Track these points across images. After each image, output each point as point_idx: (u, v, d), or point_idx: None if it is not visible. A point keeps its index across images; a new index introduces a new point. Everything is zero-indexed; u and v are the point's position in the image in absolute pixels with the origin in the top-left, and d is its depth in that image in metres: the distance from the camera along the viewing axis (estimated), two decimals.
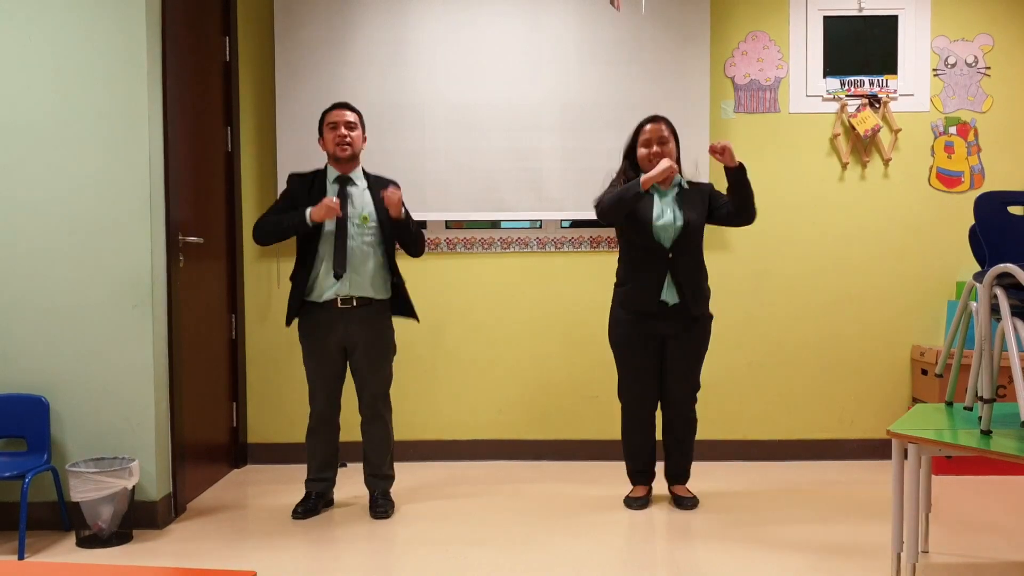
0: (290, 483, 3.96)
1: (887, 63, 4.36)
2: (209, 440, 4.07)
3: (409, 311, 3.63)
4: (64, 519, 3.35)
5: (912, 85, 4.36)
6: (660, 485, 3.75)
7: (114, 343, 3.38)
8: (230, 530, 3.42)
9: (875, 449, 4.35)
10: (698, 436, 3.69)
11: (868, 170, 4.39)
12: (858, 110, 4.34)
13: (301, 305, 3.51)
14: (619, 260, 3.64)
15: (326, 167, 3.57)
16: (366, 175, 3.59)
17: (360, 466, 3.69)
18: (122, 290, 3.38)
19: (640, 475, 3.68)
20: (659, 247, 3.46)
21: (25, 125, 3.36)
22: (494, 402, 4.45)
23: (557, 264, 4.44)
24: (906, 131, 4.36)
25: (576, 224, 4.45)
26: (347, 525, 3.46)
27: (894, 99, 4.35)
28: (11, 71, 3.35)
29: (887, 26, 4.35)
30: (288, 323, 3.55)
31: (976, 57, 4.35)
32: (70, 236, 3.37)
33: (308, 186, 3.52)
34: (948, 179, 4.39)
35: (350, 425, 3.73)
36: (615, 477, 3.88)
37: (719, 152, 3.36)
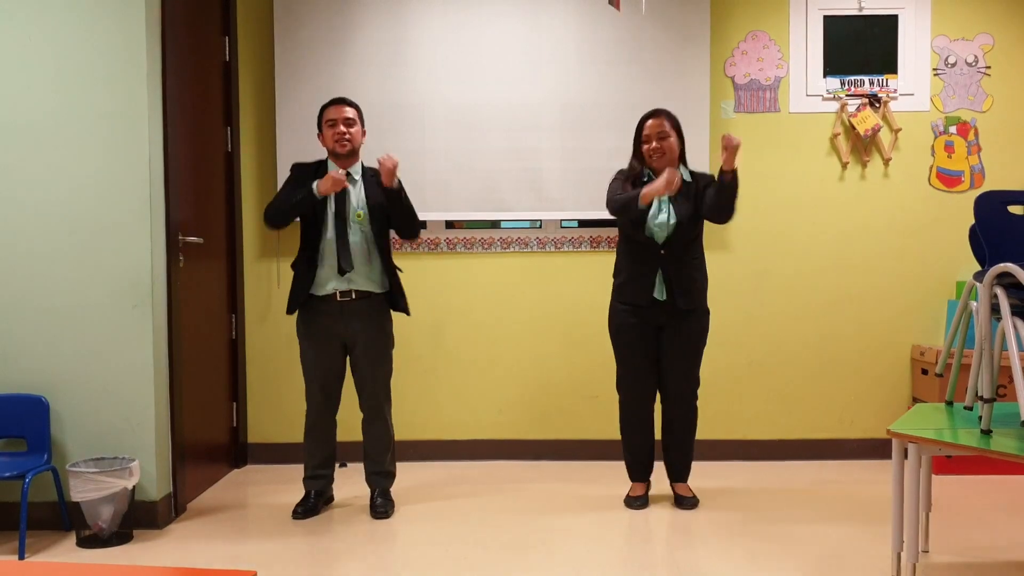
0: (290, 483, 3.96)
1: (887, 63, 4.36)
2: (209, 440, 4.07)
3: (402, 305, 3.62)
4: (64, 519, 3.35)
5: (912, 84, 4.36)
6: (661, 484, 3.75)
7: (114, 343, 3.38)
8: (230, 530, 3.42)
9: (875, 449, 4.35)
10: (698, 435, 3.69)
11: (868, 170, 4.39)
12: (858, 110, 4.34)
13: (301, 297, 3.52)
14: (617, 251, 3.66)
15: (327, 161, 3.58)
16: (364, 170, 3.59)
17: (360, 466, 3.70)
18: (122, 290, 3.38)
19: (638, 471, 3.68)
20: (652, 243, 3.48)
21: (25, 125, 3.36)
22: (494, 402, 4.46)
23: (557, 264, 4.44)
24: (906, 131, 4.36)
25: (576, 224, 4.44)
26: (347, 525, 3.46)
27: (894, 98, 4.35)
28: (11, 71, 3.35)
29: (887, 25, 4.35)
30: (289, 311, 3.56)
31: (976, 56, 4.35)
32: (70, 236, 3.37)
33: (311, 176, 3.51)
34: (948, 179, 4.39)
35: (350, 425, 3.73)
36: (615, 477, 3.88)
37: (730, 148, 3.33)
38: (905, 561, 2.66)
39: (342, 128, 3.49)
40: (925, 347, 4.26)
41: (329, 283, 3.48)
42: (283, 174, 4.14)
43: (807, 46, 4.36)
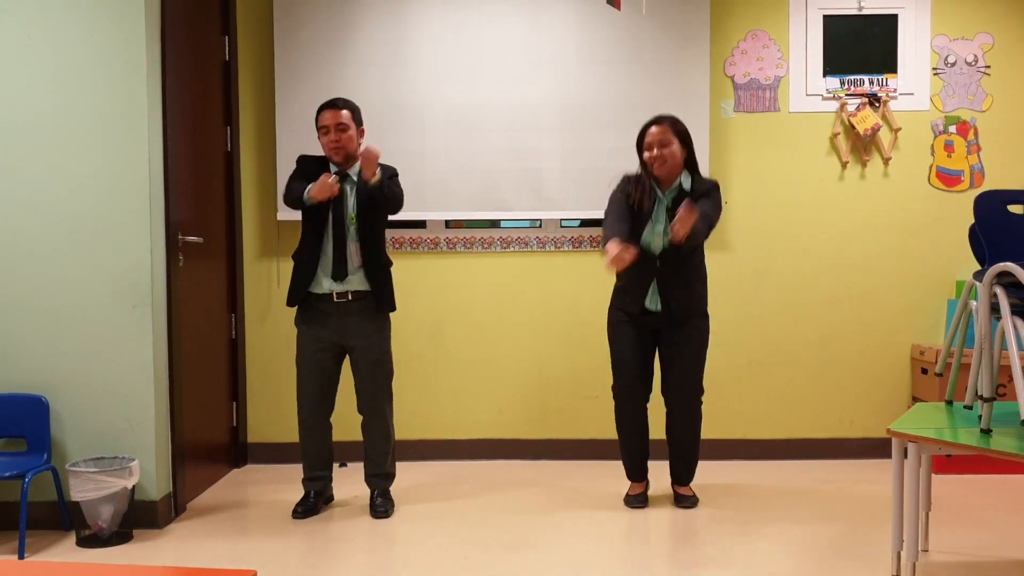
0: (290, 483, 3.96)
1: (887, 62, 4.36)
2: (209, 440, 4.07)
3: (385, 307, 3.58)
4: (64, 519, 3.35)
5: (912, 84, 4.36)
6: (662, 484, 3.75)
7: (114, 343, 3.38)
8: (230, 530, 3.42)
9: (875, 448, 4.35)
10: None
11: (868, 169, 4.39)
12: (858, 109, 4.33)
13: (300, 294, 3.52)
14: None
15: (329, 160, 3.57)
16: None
17: (360, 466, 3.69)
18: (122, 290, 3.38)
19: (635, 472, 3.68)
20: (649, 255, 3.45)
21: (25, 125, 3.36)
22: (494, 402, 4.46)
23: (557, 264, 4.44)
24: (906, 130, 4.36)
25: (576, 224, 4.44)
26: (347, 525, 3.46)
27: (894, 98, 4.35)
28: (11, 71, 3.35)
29: (887, 25, 4.35)
30: (289, 304, 3.55)
31: (976, 56, 4.35)
32: (70, 236, 3.37)
33: (315, 171, 3.48)
34: (948, 178, 4.39)
35: (350, 425, 3.73)
36: (614, 476, 3.87)
37: (680, 218, 3.22)
38: (905, 560, 2.66)
39: (334, 136, 3.48)
40: (925, 346, 4.26)
41: (326, 284, 3.49)
42: (283, 174, 4.16)
43: (807, 45, 4.36)
